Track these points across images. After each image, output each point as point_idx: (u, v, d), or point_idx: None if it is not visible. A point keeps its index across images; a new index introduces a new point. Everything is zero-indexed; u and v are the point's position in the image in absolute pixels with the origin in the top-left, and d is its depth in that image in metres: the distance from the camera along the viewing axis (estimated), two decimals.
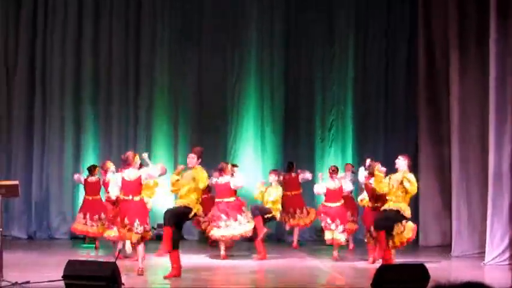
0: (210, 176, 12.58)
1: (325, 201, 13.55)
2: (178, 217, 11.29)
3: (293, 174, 15.29)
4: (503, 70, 12.93)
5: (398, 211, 11.96)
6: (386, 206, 12.11)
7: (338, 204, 13.47)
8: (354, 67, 17.32)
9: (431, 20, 15.72)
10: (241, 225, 13.25)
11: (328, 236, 13.41)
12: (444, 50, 15.09)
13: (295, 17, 17.28)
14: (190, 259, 12.84)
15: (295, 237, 15.22)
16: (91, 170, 14.79)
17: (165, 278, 10.98)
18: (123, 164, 11.35)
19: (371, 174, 12.60)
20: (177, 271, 11.05)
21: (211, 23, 17.09)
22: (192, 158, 11.50)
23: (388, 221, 11.98)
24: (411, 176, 12.06)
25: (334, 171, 13.68)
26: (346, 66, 17.32)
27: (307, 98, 17.28)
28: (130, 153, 11.39)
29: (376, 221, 12.13)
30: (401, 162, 12.14)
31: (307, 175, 15.11)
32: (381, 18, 17.35)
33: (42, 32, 16.56)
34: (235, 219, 13.20)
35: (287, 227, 15.37)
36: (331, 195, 13.53)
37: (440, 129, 15.52)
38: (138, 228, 10.92)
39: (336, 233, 13.29)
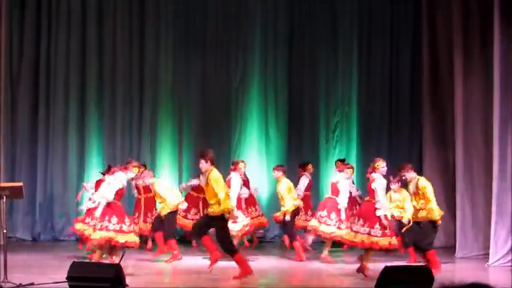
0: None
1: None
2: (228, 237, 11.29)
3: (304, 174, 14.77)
4: (507, 72, 12.94)
5: (429, 222, 11.77)
6: (419, 217, 11.89)
7: (334, 197, 13.45)
8: (357, 68, 17.29)
9: (435, 22, 15.68)
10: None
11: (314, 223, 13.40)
12: (448, 52, 15.08)
13: (299, 18, 17.26)
14: (196, 261, 12.87)
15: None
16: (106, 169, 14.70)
17: (234, 278, 11.00)
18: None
19: (373, 169, 12.30)
20: (246, 271, 11.05)
21: (215, 25, 17.05)
22: (201, 164, 11.18)
23: (428, 238, 11.81)
24: (424, 186, 11.79)
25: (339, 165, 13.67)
26: (350, 68, 17.29)
27: (311, 99, 17.25)
28: (135, 163, 11.62)
29: (419, 243, 11.84)
30: (409, 174, 11.88)
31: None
32: (385, 20, 17.32)
33: (46, 33, 16.53)
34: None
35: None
36: (332, 187, 13.62)
37: (445, 131, 15.50)
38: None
39: (322, 225, 13.30)
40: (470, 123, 14.25)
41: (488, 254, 13.04)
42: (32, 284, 9.91)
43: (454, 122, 14.60)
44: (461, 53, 14.32)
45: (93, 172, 15.99)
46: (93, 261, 11.57)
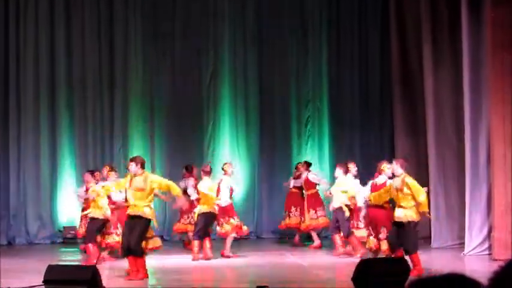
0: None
1: None
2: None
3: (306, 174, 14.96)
4: (476, 61, 13.01)
5: (409, 222, 11.10)
6: (395, 216, 11.27)
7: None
8: (327, 63, 17.34)
9: (403, 11, 15.75)
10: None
11: None
12: (417, 42, 15.14)
13: (268, 13, 17.26)
14: (172, 260, 12.84)
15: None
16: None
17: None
18: None
19: (379, 172, 12.37)
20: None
21: (184, 23, 17.02)
22: (130, 166, 11.12)
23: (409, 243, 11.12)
24: (412, 183, 11.16)
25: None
26: (320, 63, 17.33)
27: (282, 94, 17.28)
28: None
29: (406, 245, 11.14)
30: (395, 166, 11.35)
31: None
32: (353, 13, 17.42)
33: (14, 35, 16.38)
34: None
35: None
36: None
37: (416, 121, 15.56)
38: None
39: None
40: (441, 113, 14.33)
41: (464, 243, 13.12)
42: None
43: (425, 111, 14.66)
44: (430, 42, 14.39)
45: (66, 174, 15.95)
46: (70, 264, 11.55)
